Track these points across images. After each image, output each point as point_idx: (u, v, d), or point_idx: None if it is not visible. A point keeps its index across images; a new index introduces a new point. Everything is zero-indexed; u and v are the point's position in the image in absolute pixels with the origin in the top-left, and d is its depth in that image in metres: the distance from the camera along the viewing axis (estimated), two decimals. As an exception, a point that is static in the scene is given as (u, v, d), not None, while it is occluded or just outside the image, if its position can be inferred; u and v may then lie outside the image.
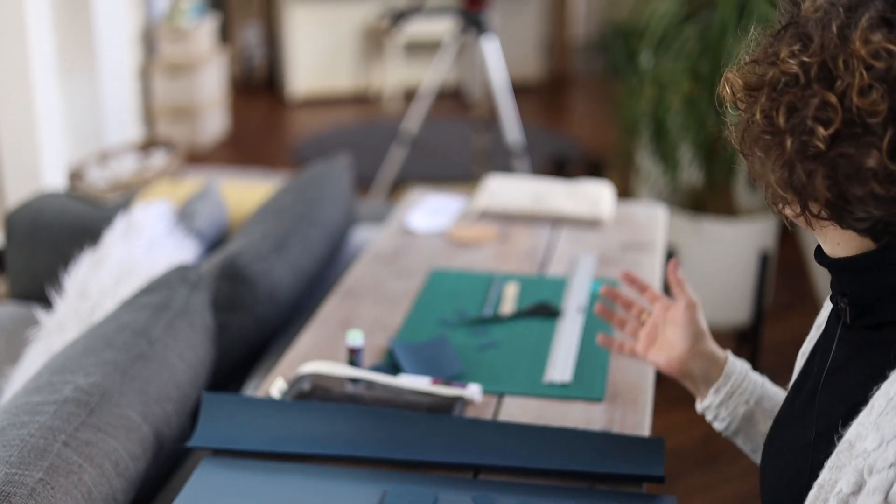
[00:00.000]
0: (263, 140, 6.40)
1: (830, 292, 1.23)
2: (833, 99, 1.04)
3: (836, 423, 1.16)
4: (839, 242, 1.15)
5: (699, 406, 1.57)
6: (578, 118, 7.11)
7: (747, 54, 1.14)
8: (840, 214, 1.09)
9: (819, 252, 1.22)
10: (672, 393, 3.40)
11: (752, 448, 1.55)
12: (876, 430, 1.07)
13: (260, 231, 2.28)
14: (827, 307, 1.37)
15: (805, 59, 1.07)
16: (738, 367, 1.56)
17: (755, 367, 3.46)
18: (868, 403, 1.11)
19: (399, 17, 4.53)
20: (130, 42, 5.71)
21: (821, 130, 1.05)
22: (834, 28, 1.06)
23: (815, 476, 1.15)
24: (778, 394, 1.55)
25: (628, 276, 1.71)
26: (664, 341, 1.61)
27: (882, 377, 1.11)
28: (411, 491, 1.47)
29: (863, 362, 1.17)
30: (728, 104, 1.15)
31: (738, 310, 3.62)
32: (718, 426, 1.56)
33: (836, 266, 1.17)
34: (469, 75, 4.83)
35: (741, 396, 1.53)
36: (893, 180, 1.03)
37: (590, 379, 1.82)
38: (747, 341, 3.66)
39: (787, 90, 1.08)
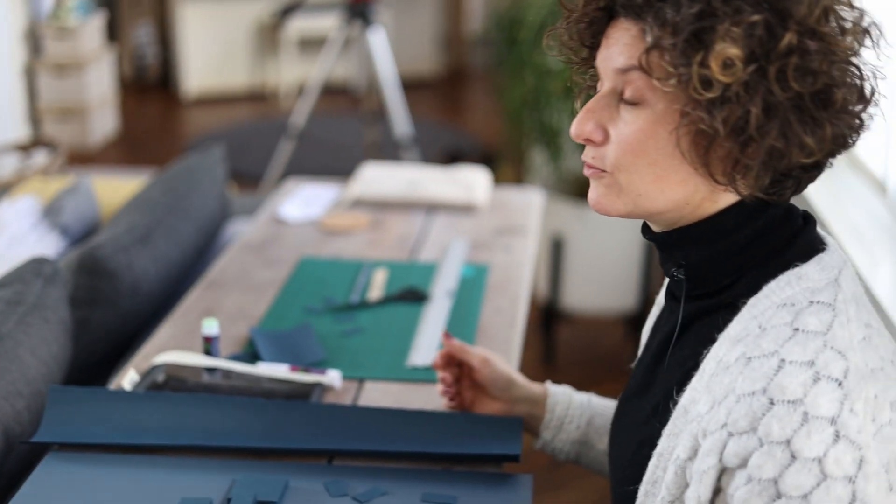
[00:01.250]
0: (156, 139, 6.29)
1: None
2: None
3: (672, 390, 1.16)
4: (686, 201, 1.13)
5: (536, 446, 1.57)
6: (474, 112, 7.11)
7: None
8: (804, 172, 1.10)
9: (647, 228, 1.22)
10: (556, 377, 3.42)
11: (598, 469, 1.55)
12: (708, 393, 1.07)
13: (125, 223, 2.23)
14: (667, 284, 1.38)
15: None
16: (559, 398, 1.55)
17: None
18: (699, 368, 1.11)
19: (284, 12, 4.48)
20: (14, 40, 5.56)
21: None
22: None
23: (655, 446, 1.15)
24: (608, 407, 1.55)
25: (447, 335, 1.59)
26: (480, 400, 1.59)
27: (712, 341, 1.11)
28: (261, 479, 1.44)
29: (696, 330, 1.17)
30: (717, 80, 1.04)
31: (624, 296, 3.64)
32: (559, 458, 1.56)
33: (673, 238, 1.17)
34: (358, 69, 4.82)
35: (570, 425, 1.53)
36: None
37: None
38: (634, 327, 3.68)
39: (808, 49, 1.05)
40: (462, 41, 7.88)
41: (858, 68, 1.07)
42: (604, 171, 1.14)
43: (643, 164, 1.11)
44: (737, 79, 1.03)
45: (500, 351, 1.85)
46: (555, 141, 3.51)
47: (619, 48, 1.12)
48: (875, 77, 1.10)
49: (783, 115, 1.04)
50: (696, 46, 1.04)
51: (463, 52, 7.90)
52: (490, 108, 6.86)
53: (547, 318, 3.70)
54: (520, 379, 1.57)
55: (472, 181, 2.60)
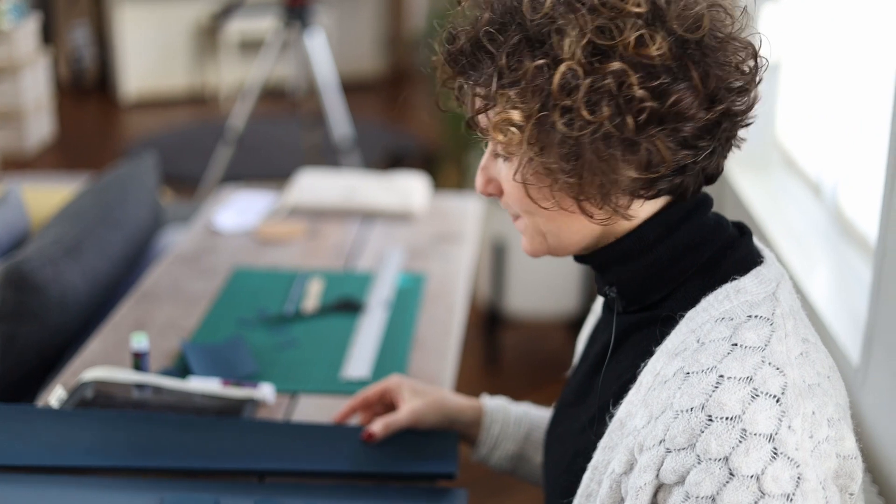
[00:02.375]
0: (95, 144, 6.20)
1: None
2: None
3: (608, 403, 1.14)
4: (591, 230, 1.13)
5: (472, 458, 1.55)
6: (418, 113, 7.08)
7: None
8: (654, 183, 1.07)
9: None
10: (499, 381, 3.40)
11: (534, 481, 1.54)
12: (644, 407, 1.05)
13: (53, 235, 2.18)
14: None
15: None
16: (496, 415, 1.52)
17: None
18: (636, 381, 1.10)
19: (221, 14, 4.43)
20: (-55, 44, 5.46)
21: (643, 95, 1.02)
22: None
23: (590, 458, 1.14)
24: (545, 419, 1.53)
25: (369, 436, 1.52)
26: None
27: (649, 354, 1.10)
28: (189, 498, 1.41)
29: (633, 342, 1.16)
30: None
31: (566, 299, 3.64)
32: (495, 471, 1.55)
33: (600, 257, 1.16)
34: (297, 72, 4.78)
35: (506, 441, 1.52)
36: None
37: (388, 373, 1.78)
38: (577, 330, 3.67)
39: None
40: (404, 41, 7.84)
41: (689, 66, 1.03)
42: (519, 216, 1.16)
43: (533, 208, 1.12)
44: (521, 137, 1.04)
45: (434, 362, 1.83)
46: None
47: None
48: (749, 57, 1.07)
49: (587, 152, 1.03)
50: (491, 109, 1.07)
51: (405, 52, 7.87)
52: (432, 108, 6.83)
53: (490, 322, 3.69)
54: (451, 406, 1.53)
55: (410, 188, 2.57)
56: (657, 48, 1.01)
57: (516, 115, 1.03)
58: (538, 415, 1.54)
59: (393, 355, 1.85)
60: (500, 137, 1.05)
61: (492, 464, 1.54)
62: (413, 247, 2.33)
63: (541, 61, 1.02)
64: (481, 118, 1.10)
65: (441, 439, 1.54)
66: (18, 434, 1.54)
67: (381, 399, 1.55)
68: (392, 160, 5.35)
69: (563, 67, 1.01)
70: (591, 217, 1.09)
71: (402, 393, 1.52)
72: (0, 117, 5.69)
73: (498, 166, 1.15)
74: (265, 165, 5.53)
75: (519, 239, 3.42)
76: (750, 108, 1.09)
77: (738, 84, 1.06)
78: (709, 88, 1.04)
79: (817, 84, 2.46)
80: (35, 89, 5.87)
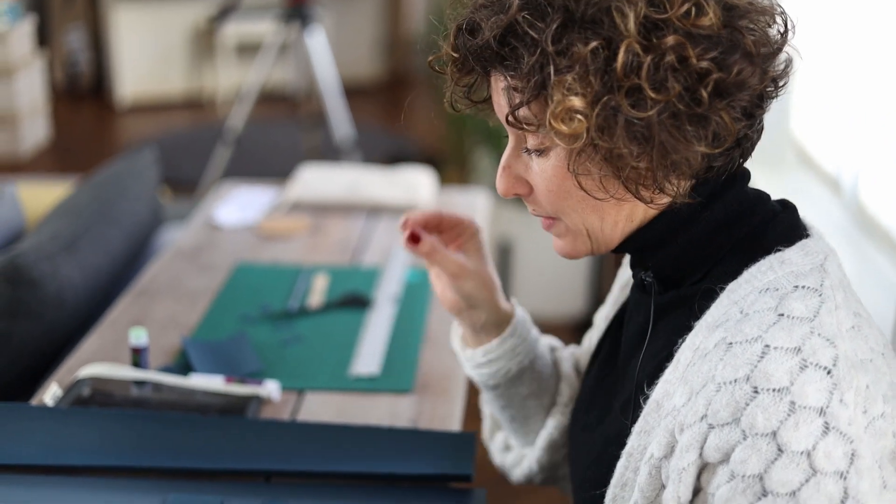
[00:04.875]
0: (90, 147, 6.12)
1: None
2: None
3: (642, 385, 1.07)
4: (630, 218, 1.07)
5: (476, 352, 1.34)
6: (418, 116, 7.02)
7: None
8: (714, 159, 1.02)
9: None
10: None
11: (503, 406, 1.38)
12: (684, 384, 0.99)
13: (49, 231, 2.11)
14: (626, 265, 1.30)
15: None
16: (527, 322, 1.37)
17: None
18: (674, 359, 1.03)
19: (219, 15, 4.37)
20: (-61, 46, 5.39)
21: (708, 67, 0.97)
22: None
23: (624, 445, 1.06)
24: (545, 356, 1.40)
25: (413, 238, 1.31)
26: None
27: (687, 329, 1.03)
28: (194, 499, 1.34)
29: (670, 319, 1.09)
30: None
31: (573, 301, 3.58)
32: (480, 375, 1.36)
33: (634, 242, 1.09)
34: (297, 73, 4.71)
35: (519, 356, 1.34)
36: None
37: (399, 370, 1.71)
38: (584, 333, 3.60)
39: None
40: (403, 44, 7.78)
41: (740, 31, 0.98)
42: (551, 217, 1.09)
43: (574, 202, 1.05)
44: (587, 125, 0.97)
45: (445, 358, 1.76)
46: (500, 142, 3.43)
47: (499, 103, 1.06)
48: (777, 21, 1.03)
49: (658, 132, 0.97)
50: (544, 100, 1.00)
51: (404, 55, 7.81)
52: (433, 112, 6.76)
53: (494, 324, 3.62)
54: (495, 295, 1.33)
55: (415, 182, 2.51)
56: (711, 17, 0.96)
57: (578, 102, 0.96)
58: (543, 351, 1.40)
59: (403, 351, 1.78)
60: (564, 128, 0.97)
61: (491, 367, 1.35)
62: (420, 242, 2.26)
63: (594, 43, 0.96)
64: (522, 112, 1.02)
65: (456, 439, 1.47)
66: (13, 433, 1.47)
67: (453, 229, 1.34)
68: (392, 163, 5.28)
69: (624, 46, 0.95)
70: (650, 202, 1.03)
71: (472, 244, 1.33)
72: (-5, 120, 5.62)
73: (523, 163, 1.08)
74: (264, 168, 5.46)
75: (525, 239, 3.31)
76: (787, 72, 1.04)
77: (775, 48, 1.02)
78: (759, 55, 0.99)
79: (834, 77, 2.40)
80: (30, 92, 5.80)
